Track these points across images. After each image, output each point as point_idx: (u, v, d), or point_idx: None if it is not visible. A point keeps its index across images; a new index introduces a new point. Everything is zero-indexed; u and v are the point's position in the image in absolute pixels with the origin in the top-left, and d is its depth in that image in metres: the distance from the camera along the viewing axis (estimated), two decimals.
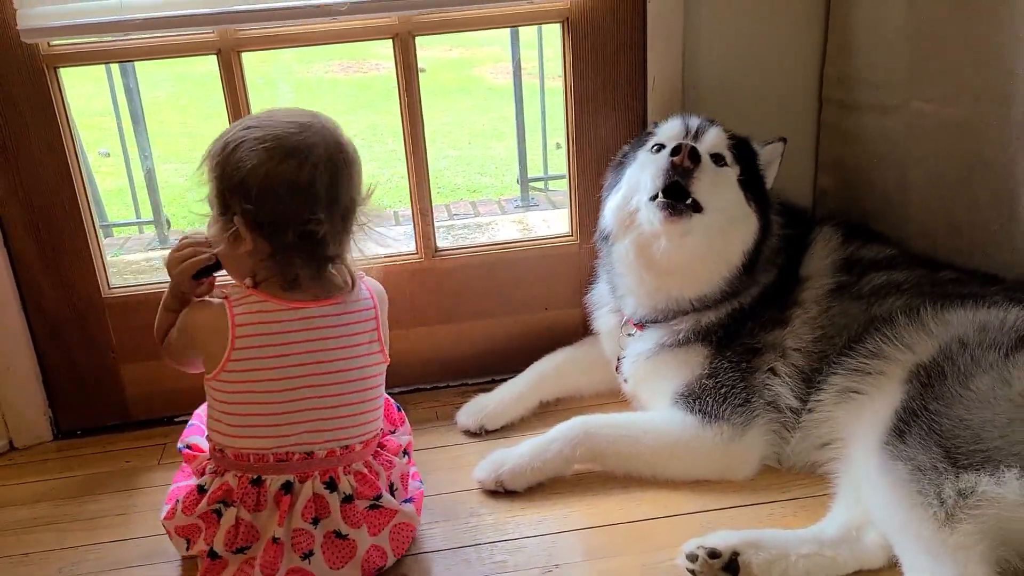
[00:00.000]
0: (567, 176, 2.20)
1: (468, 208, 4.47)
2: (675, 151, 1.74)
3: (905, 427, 1.49)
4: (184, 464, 1.68)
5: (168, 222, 3.99)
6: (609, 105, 2.11)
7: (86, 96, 4.93)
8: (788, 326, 1.82)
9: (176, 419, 2.07)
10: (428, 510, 1.69)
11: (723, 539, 1.50)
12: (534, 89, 4.71)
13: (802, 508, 1.68)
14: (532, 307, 2.23)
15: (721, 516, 1.67)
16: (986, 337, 1.55)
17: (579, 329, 2.21)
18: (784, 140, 1.93)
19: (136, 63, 3.55)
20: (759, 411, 1.76)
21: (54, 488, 1.90)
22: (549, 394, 2.09)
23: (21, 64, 1.86)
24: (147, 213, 4.06)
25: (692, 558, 1.49)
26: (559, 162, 4.45)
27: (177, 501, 1.55)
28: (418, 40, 2.00)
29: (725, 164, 1.82)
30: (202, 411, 1.77)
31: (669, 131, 1.87)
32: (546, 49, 4.65)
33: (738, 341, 1.82)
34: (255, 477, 1.49)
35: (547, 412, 2.05)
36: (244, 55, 1.96)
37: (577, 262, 2.21)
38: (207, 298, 1.55)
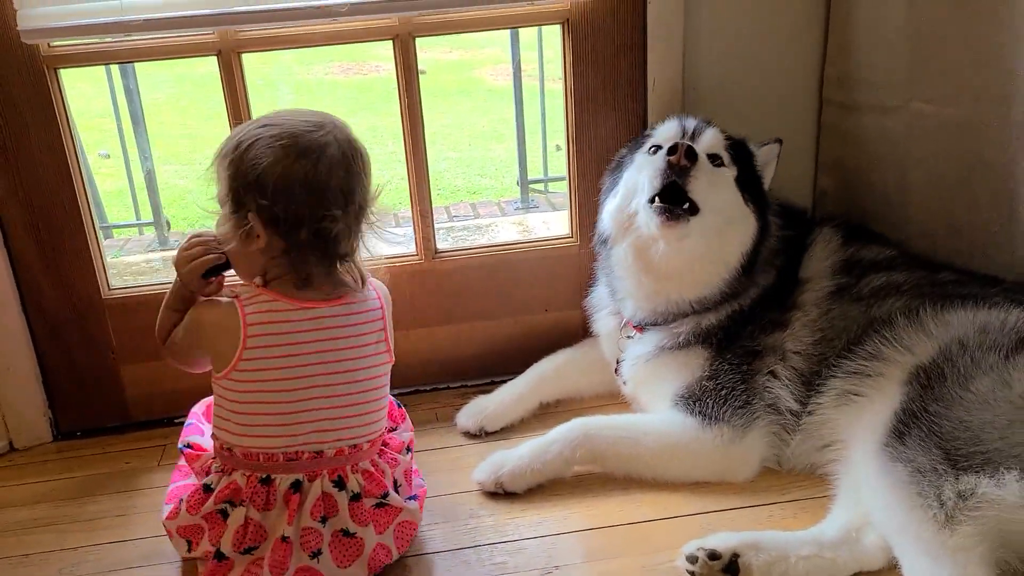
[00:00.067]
0: (567, 178, 2.20)
1: (468, 210, 4.47)
2: (671, 150, 1.74)
3: (905, 429, 1.48)
4: (181, 464, 1.68)
5: (168, 224, 3.99)
6: (609, 106, 2.11)
7: (86, 97, 4.93)
8: (788, 329, 1.82)
9: (176, 420, 2.07)
10: (428, 511, 1.69)
11: (723, 541, 1.50)
12: (534, 91, 4.71)
13: (802, 510, 1.68)
14: (532, 309, 2.23)
15: (721, 518, 1.67)
16: (986, 339, 1.55)
17: (579, 331, 2.21)
18: (780, 141, 1.93)
19: (136, 64, 3.56)
20: (759, 413, 1.76)
21: (54, 489, 1.90)
22: (549, 396, 2.09)
23: (21, 65, 1.86)
24: (147, 215, 4.05)
25: (692, 560, 1.49)
26: (559, 164, 4.44)
27: (181, 501, 1.54)
28: (418, 42, 2.00)
29: (722, 164, 1.82)
30: (199, 409, 1.78)
31: (666, 132, 1.87)
32: (546, 50, 4.66)
33: (738, 343, 1.82)
34: (264, 476, 1.50)
35: (547, 414, 2.05)
36: (244, 56, 1.96)
37: (577, 264, 2.21)
38: (215, 297, 1.55)
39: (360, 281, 1.56)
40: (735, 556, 1.47)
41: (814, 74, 2.18)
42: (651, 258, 1.81)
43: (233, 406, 1.51)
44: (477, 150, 5.92)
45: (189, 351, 1.58)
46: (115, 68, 4.00)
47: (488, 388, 2.11)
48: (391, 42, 2.00)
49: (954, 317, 1.63)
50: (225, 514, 1.49)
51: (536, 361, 2.12)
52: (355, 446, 1.54)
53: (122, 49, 1.95)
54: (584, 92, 2.09)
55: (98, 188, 4.12)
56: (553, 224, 2.92)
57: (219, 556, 1.48)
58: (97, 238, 2.04)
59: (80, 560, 1.66)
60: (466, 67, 7.68)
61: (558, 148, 4.58)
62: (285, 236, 1.46)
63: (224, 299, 1.53)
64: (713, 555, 1.48)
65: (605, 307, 2.06)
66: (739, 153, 1.86)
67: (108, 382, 2.10)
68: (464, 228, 3.34)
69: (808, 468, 1.77)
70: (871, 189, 2.10)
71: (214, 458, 1.57)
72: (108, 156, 5.26)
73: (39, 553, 1.69)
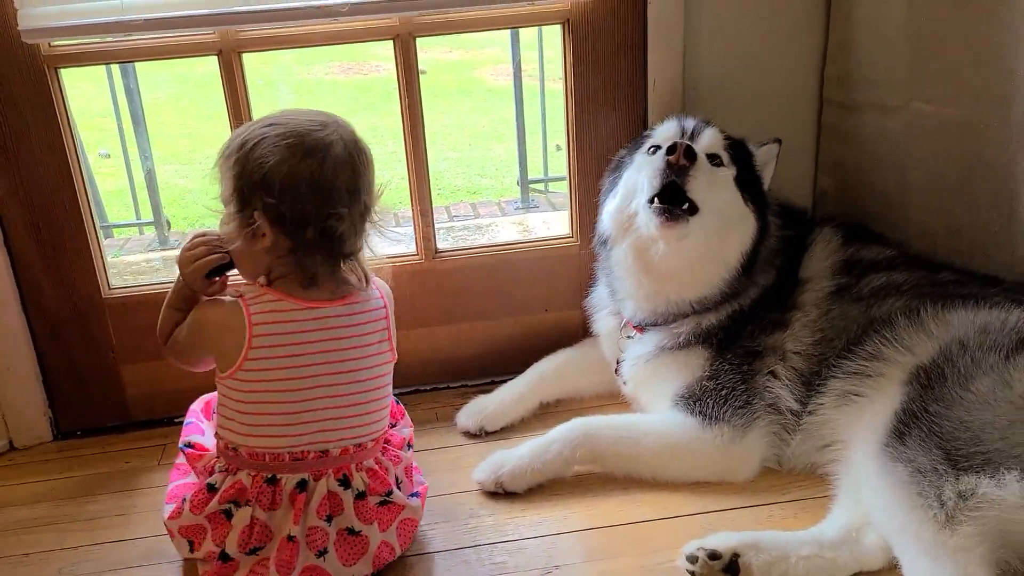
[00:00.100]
0: (567, 178, 2.20)
1: (468, 210, 4.47)
2: (670, 150, 1.74)
3: (905, 429, 1.48)
4: (179, 462, 1.68)
5: (168, 223, 3.99)
6: (609, 106, 2.11)
7: (87, 97, 4.93)
8: (788, 329, 1.82)
9: (176, 420, 2.06)
10: (428, 511, 1.69)
11: (723, 541, 1.50)
12: (534, 91, 4.71)
13: (802, 510, 1.68)
14: (532, 308, 2.23)
15: (721, 518, 1.67)
16: (987, 339, 1.55)
17: (579, 330, 2.21)
18: (779, 141, 1.93)
19: (137, 64, 3.56)
20: (759, 413, 1.76)
21: (54, 488, 1.90)
22: (549, 395, 2.09)
23: (22, 64, 1.86)
24: (147, 214, 4.06)
25: (692, 559, 1.49)
26: (559, 164, 4.45)
27: (184, 500, 1.54)
28: (418, 41, 2.00)
29: (721, 164, 1.82)
30: (198, 407, 1.78)
31: (665, 132, 1.87)
32: (546, 50, 4.66)
33: (738, 343, 1.81)
34: (270, 476, 1.49)
35: (547, 413, 2.05)
36: (245, 56, 1.96)
37: (577, 264, 2.21)
38: (218, 296, 1.55)
39: (364, 280, 1.56)
40: (735, 556, 1.47)
41: (814, 74, 2.18)
42: (651, 258, 1.81)
43: (238, 406, 1.51)
44: (477, 150, 5.92)
45: (192, 351, 1.58)
46: (115, 68, 4.00)
47: (488, 388, 2.11)
48: (391, 42, 2.00)
49: (954, 317, 1.63)
50: (229, 514, 1.49)
51: (536, 361, 2.12)
52: (360, 445, 1.55)
53: (123, 49, 1.95)
54: (584, 92, 2.09)
55: (98, 188, 4.12)
56: (553, 224, 2.92)
57: (224, 557, 1.48)
58: (97, 237, 2.04)
59: (80, 559, 1.66)
60: (466, 67, 7.68)
61: (558, 148, 4.58)
62: (291, 235, 1.46)
63: (228, 298, 1.53)
64: (713, 555, 1.48)
65: (605, 307, 2.06)
66: (738, 153, 1.86)
67: (108, 382, 2.10)
68: (464, 228, 3.34)
69: (808, 468, 1.76)
70: (871, 189, 2.10)
71: (217, 457, 1.56)
72: (108, 156, 5.26)
73: (39, 552, 1.69)
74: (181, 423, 1.75)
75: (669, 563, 1.54)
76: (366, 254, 1.57)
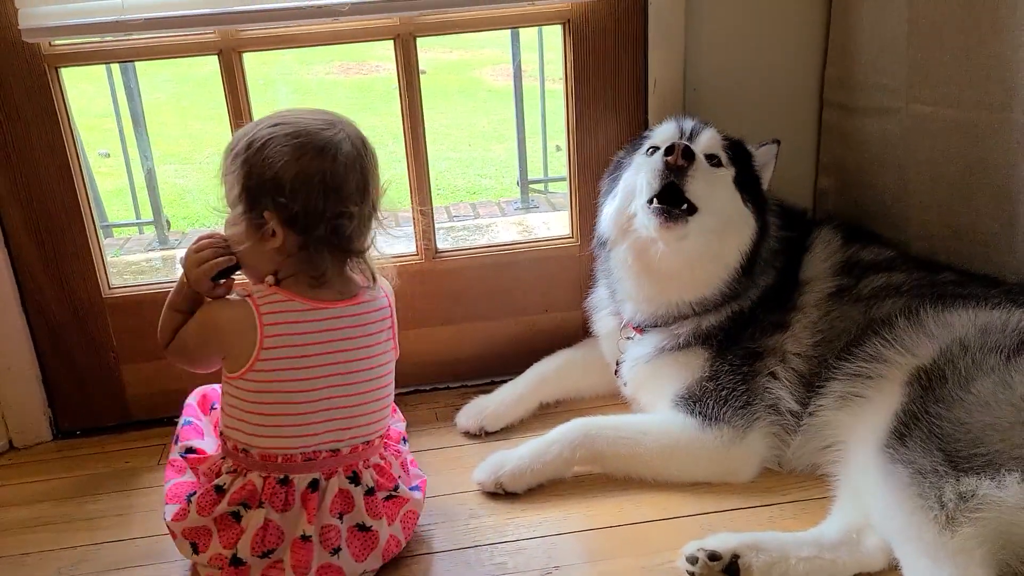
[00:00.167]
0: (567, 178, 2.20)
1: (468, 210, 4.46)
2: (668, 151, 1.74)
3: (905, 430, 1.48)
4: (174, 459, 1.64)
5: (168, 223, 3.99)
6: (610, 106, 2.11)
7: (87, 96, 4.93)
8: (788, 330, 1.82)
9: (176, 420, 2.06)
10: (428, 512, 1.69)
11: (723, 541, 1.50)
12: (534, 91, 4.71)
13: (802, 511, 1.68)
14: (532, 309, 2.23)
15: (721, 518, 1.67)
16: (987, 340, 1.54)
17: (579, 331, 2.21)
18: (778, 142, 1.93)
19: (137, 64, 3.55)
20: (760, 414, 1.76)
21: (53, 488, 1.90)
22: (549, 396, 2.09)
23: (22, 64, 1.86)
24: (147, 214, 4.05)
25: (692, 560, 1.49)
26: (559, 164, 4.45)
27: (189, 501, 1.51)
28: (419, 41, 2.00)
29: (720, 165, 1.82)
30: (194, 401, 1.75)
31: (663, 133, 1.87)
32: (547, 51, 4.65)
33: (738, 344, 1.81)
34: (282, 476, 1.49)
35: (547, 414, 2.05)
36: (245, 56, 1.96)
37: (577, 264, 2.21)
38: (226, 297, 1.55)
39: (372, 279, 1.57)
40: (735, 557, 1.47)
41: (815, 75, 2.18)
42: (650, 259, 1.81)
43: (249, 407, 1.50)
44: (477, 150, 5.92)
45: (199, 352, 1.56)
46: (116, 67, 4.00)
47: (488, 388, 2.11)
48: (392, 42, 2.00)
49: (955, 318, 1.63)
50: (238, 516, 1.48)
51: (536, 361, 2.12)
52: (368, 442, 1.56)
53: (123, 48, 1.95)
54: (585, 92, 2.09)
55: (98, 187, 4.12)
56: (553, 224, 2.93)
57: (236, 561, 1.47)
58: (97, 237, 2.03)
59: (79, 559, 1.66)
60: (467, 67, 7.68)
61: (558, 148, 4.59)
62: (303, 234, 1.46)
63: (235, 298, 1.52)
64: (713, 556, 1.47)
65: (605, 308, 2.06)
66: (737, 154, 1.86)
67: (108, 381, 2.10)
68: (464, 228, 3.34)
69: (809, 469, 1.76)
70: (871, 190, 2.10)
71: (223, 458, 1.55)
72: (108, 155, 5.26)
73: (38, 552, 1.69)
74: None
75: (669, 564, 1.54)
76: (373, 254, 1.57)
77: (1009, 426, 1.41)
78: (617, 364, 1.98)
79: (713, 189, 1.78)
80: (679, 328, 1.85)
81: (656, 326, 1.88)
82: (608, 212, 1.90)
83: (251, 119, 1.93)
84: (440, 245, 2.17)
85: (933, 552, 1.35)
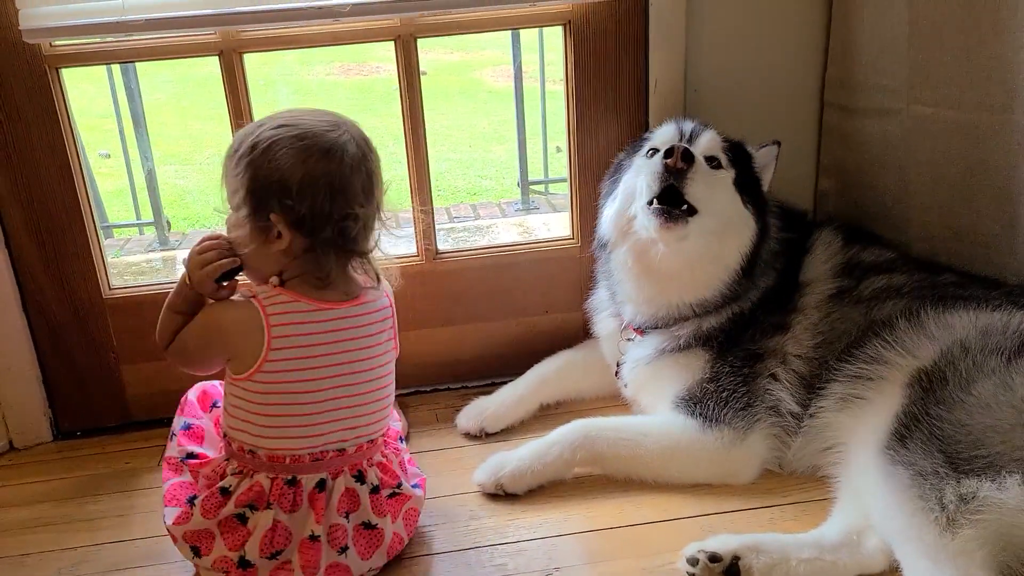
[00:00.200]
0: (568, 179, 2.20)
1: (468, 211, 4.46)
2: (668, 153, 1.74)
3: (906, 432, 1.48)
4: (170, 456, 1.62)
5: (168, 223, 3.99)
6: (610, 108, 2.11)
7: (87, 97, 4.93)
8: (789, 332, 1.82)
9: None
10: (428, 513, 1.69)
11: (724, 543, 1.50)
12: (535, 92, 4.71)
13: (803, 512, 1.68)
14: (532, 310, 2.23)
15: (722, 520, 1.67)
16: (988, 342, 1.54)
17: (580, 332, 2.21)
18: (778, 143, 1.93)
19: (137, 64, 3.56)
20: (760, 415, 1.76)
21: (54, 489, 1.90)
22: (549, 397, 2.09)
23: (23, 64, 1.86)
24: (147, 214, 4.05)
25: (693, 562, 1.49)
26: (560, 165, 4.45)
27: (192, 504, 1.50)
28: (419, 43, 2.00)
29: (720, 167, 1.82)
30: (193, 397, 1.73)
31: (663, 135, 1.87)
32: (547, 52, 4.65)
33: (739, 346, 1.81)
34: (290, 477, 1.49)
35: (547, 415, 2.05)
36: (246, 56, 1.96)
37: (577, 265, 2.20)
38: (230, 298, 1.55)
39: (376, 279, 1.57)
40: (736, 558, 1.47)
41: (815, 76, 2.18)
42: (651, 261, 1.81)
43: (256, 408, 1.50)
44: (478, 151, 5.92)
45: (202, 353, 1.55)
46: (116, 68, 4.00)
47: (488, 389, 2.11)
48: (393, 43, 2.00)
49: (956, 319, 1.63)
50: (243, 518, 1.48)
51: (537, 362, 2.12)
52: (372, 441, 1.57)
53: (123, 49, 1.95)
54: (585, 94, 2.09)
55: (98, 188, 4.12)
56: (553, 226, 2.93)
57: (243, 564, 1.47)
58: (98, 238, 2.03)
59: (80, 560, 1.66)
60: (467, 68, 7.68)
61: (559, 150, 4.59)
62: (309, 236, 1.46)
63: (240, 299, 1.52)
64: (714, 557, 1.47)
65: (605, 309, 2.05)
66: (737, 155, 1.86)
67: (108, 382, 2.10)
68: (465, 229, 3.34)
69: (809, 471, 1.76)
70: (872, 191, 2.10)
71: (227, 460, 1.54)
72: (109, 156, 5.26)
73: (38, 553, 1.69)
74: None
75: (669, 565, 1.54)
76: (377, 254, 1.57)
77: (1010, 428, 1.41)
78: (617, 365, 1.98)
79: (713, 191, 1.78)
80: (680, 329, 1.85)
81: (656, 327, 1.88)
82: (608, 214, 1.91)
83: (252, 120, 1.93)
84: (441, 246, 2.17)
85: (934, 554, 1.35)
